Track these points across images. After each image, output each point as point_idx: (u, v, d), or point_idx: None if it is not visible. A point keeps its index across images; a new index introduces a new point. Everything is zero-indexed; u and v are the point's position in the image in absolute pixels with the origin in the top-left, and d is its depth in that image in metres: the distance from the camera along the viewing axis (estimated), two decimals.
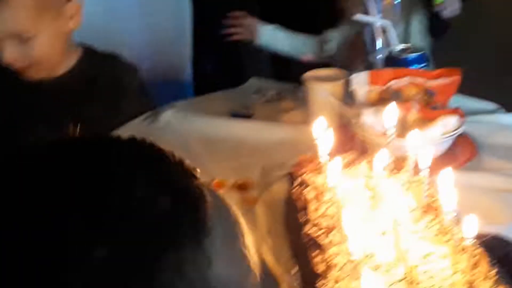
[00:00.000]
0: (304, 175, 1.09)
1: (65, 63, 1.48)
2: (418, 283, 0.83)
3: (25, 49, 1.38)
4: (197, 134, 1.39)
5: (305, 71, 1.41)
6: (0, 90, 1.51)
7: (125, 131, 1.42)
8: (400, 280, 0.85)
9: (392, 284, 0.84)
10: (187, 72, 1.86)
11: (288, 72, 2.02)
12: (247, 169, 1.25)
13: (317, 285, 0.86)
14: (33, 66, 1.41)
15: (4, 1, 1.33)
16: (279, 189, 1.16)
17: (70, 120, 1.49)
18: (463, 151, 1.24)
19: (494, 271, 0.82)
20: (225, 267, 0.43)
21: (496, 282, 0.81)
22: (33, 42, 1.38)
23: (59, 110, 1.43)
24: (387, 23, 1.43)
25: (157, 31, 1.85)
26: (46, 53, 1.41)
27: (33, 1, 1.35)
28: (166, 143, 1.33)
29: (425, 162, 1.03)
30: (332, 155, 1.06)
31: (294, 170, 1.12)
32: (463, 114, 1.24)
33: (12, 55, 1.37)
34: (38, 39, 1.38)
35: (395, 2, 1.54)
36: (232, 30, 1.81)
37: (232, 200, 1.19)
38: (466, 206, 0.93)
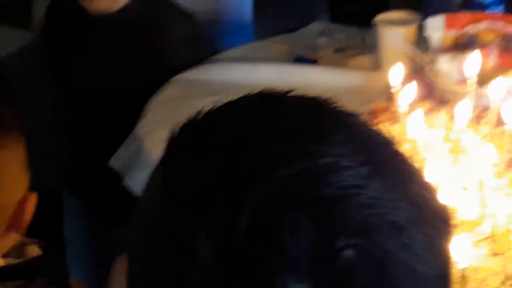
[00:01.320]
0: (379, 124, 1.06)
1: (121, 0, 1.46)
2: (506, 243, 0.82)
3: None
4: (261, 79, 1.36)
5: (365, 13, 1.37)
6: (62, 23, 1.52)
7: (183, 77, 1.42)
8: (486, 239, 0.84)
9: (478, 242, 0.83)
10: (248, 12, 1.80)
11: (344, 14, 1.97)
12: None
13: None
14: None
15: None
16: None
17: (120, 55, 1.49)
18: None
19: None
20: None
21: None
22: None
23: (111, 44, 1.44)
24: None
25: None
26: None
27: None
28: (227, 91, 1.31)
29: (509, 113, 1.00)
30: (410, 105, 1.04)
31: (368, 119, 1.09)
32: None
33: None
34: None
35: None
36: None
37: None
38: None
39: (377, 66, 1.33)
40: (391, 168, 0.39)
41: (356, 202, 0.35)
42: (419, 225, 0.37)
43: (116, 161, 1.28)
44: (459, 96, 1.07)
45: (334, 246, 0.33)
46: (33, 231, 1.05)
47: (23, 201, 0.97)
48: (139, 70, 1.42)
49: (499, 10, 1.32)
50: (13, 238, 0.98)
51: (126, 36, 1.45)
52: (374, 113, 1.09)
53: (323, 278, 0.33)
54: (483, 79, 1.13)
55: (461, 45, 1.24)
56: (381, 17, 1.33)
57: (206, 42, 1.53)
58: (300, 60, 1.44)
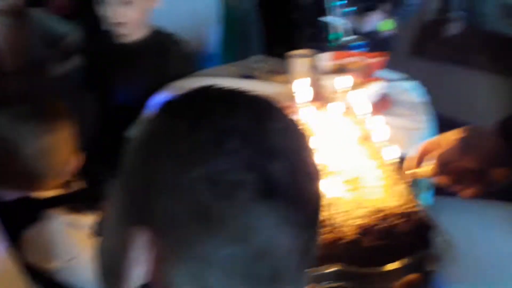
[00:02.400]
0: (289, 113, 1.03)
1: (142, 31, 1.38)
2: (356, 183, 0.80)
3: (125, 10, 1.28)
4: None
5: (286, 51, 1.33)
6: (97, 48, 1.43)
7: (176, 84, 1.34)
8: (347, 181, 0.81)
9: (342, 183, 0.81)
10: (216, 52, 1.74)
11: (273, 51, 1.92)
12: None
13: None
14: (126, 24, 1.31)
15: None
16: None
17: (139, 68, 1.44)
18: (384, 103, 1.19)
19: (406, 180, 0.78)
20: None
21: (407, 184, 0.78)
22: (131, 6, 1.28)
23: (133, 61, 1.36)
24: (343, 21, 1.35)
25: (196, 24, 1.73)
26: (137, 17, 1.32)
27: None
28: None
29: (364, 109, 0.98)
30: (308, 103, 1.01)
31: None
32: (385, 80, 1.19)
33: (117, 12, 1.28)
34: (135, 5, 1.29)
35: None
36: None
37: None
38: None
39: (291, 82, 1.28)
40: (298, 137, 0.40)
41: (268, 145, 0.37)
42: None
43: (129, 133, 1.22)
44: (338, 99, 1.05)
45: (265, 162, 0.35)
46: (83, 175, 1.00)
47: (69, 160, 0.93)
48: (155, 79, 1.33)
49: (361, 50, 1.31)
50: (63, 179, 0.94)
51: (145, 55, 1.36)
52: (285, 107, 1.06)
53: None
54: (352, 90, 1.12)
55: (339, 70, 1.23)
56: (293, 52, 1.30)
57: (192, 58, 1.46)
58: (246, 77, 1.39)
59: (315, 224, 0.39)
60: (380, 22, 1.60)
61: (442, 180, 0.70)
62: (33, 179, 0.88)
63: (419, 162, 0.72)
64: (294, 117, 0.42)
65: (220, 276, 0.33)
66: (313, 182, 0.39)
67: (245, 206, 0.34)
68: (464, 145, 0.64)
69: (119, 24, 1.31)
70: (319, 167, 0.40)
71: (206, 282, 0.34)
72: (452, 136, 0.66)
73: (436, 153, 0.68)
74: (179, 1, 1.70)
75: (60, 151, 0.92)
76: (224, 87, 0.41)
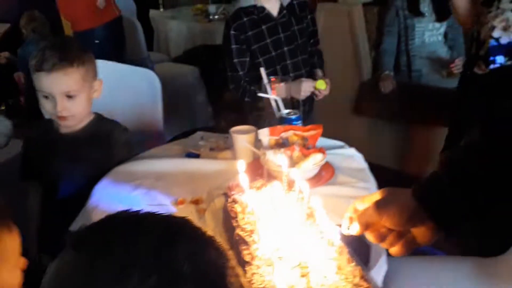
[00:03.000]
0: (234, 194, 1.00)
1: (85, 120, 1.34)
2: (306, 267, 0.76)
3: (70, 104, 1.25)
4: (165, 168, 1.28)
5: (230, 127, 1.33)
6: (40, 137, 1.37)
7: (118, 169, 1.30)
8: (296, 266, 0.77)
9: (292, 268, 0.77)
10: (160, 129, 1.72)
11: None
12: (198, 190, 1.14)
13: (245, 269, 0.78)
14: (71, 118, 1.27)
15: (63, 70, 1.22)
16: (219, 203, 1.06)
17: (82, 158, 1.36)
18: (326, 173, 1.18)
19: (353, 258, 0.76)
20: None
21: (355, 264, 0.75)
22: (75, 100, 1.26)
23: (76, 151, 1.30)
24: (278, 97, 1.37)
25: (139, 104, 1.72)
26: (81, 109, 1.28)
27: (80, 73, 1.25)
28: (146, 177, 1.19)
29: (304, 185, 0.95)
30: (250, 182, 0.98)
31: (228, 191, 1.03)
32: (324, 151, 1.19)
33: (62, 107, 1.24)
34: (79, 98, 1.26)
35: (281, 85, 1.49)
36: None
37: (189, 211, 1.07)
38: (329, 208, 0.87)
39: (234, 157, 1.28)
40: (213, 257, 0.39)
41: (194, 264, 0.37)
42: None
43: (75, 226, 1.12)
44: (279, 174, 1.03)
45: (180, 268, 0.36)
46: None
47: (14, 272, 0.73)
48: (97, 166, 1.28)
49: (299, 123, 1.32)
50: None
51: (87, 145, 1.31)
52: (231, 187, 1.03)
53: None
54: (292, 163, 1.11)
55: (279, 144, 1.23)
56: (234, 128, 1.30)
57: (133, 145, 1.43)
58: (189, 155, 1.36)
59: None
60: (315, 84, 1.65)
61: (370, 239, 0.69)
62: None
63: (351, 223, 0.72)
64: (209, 235, 0.40)
65: None
66: None
67: None
68: (380, 206, 0.65)
69: (63, 117, 1.27)
70: (239, 284, 0.39)
71: None
72: (374, 197, 0.67)
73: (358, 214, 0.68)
74: (119, 86, 1.70)
75: (5, 267, 0.77)
76: (132, 213, 0.40)
